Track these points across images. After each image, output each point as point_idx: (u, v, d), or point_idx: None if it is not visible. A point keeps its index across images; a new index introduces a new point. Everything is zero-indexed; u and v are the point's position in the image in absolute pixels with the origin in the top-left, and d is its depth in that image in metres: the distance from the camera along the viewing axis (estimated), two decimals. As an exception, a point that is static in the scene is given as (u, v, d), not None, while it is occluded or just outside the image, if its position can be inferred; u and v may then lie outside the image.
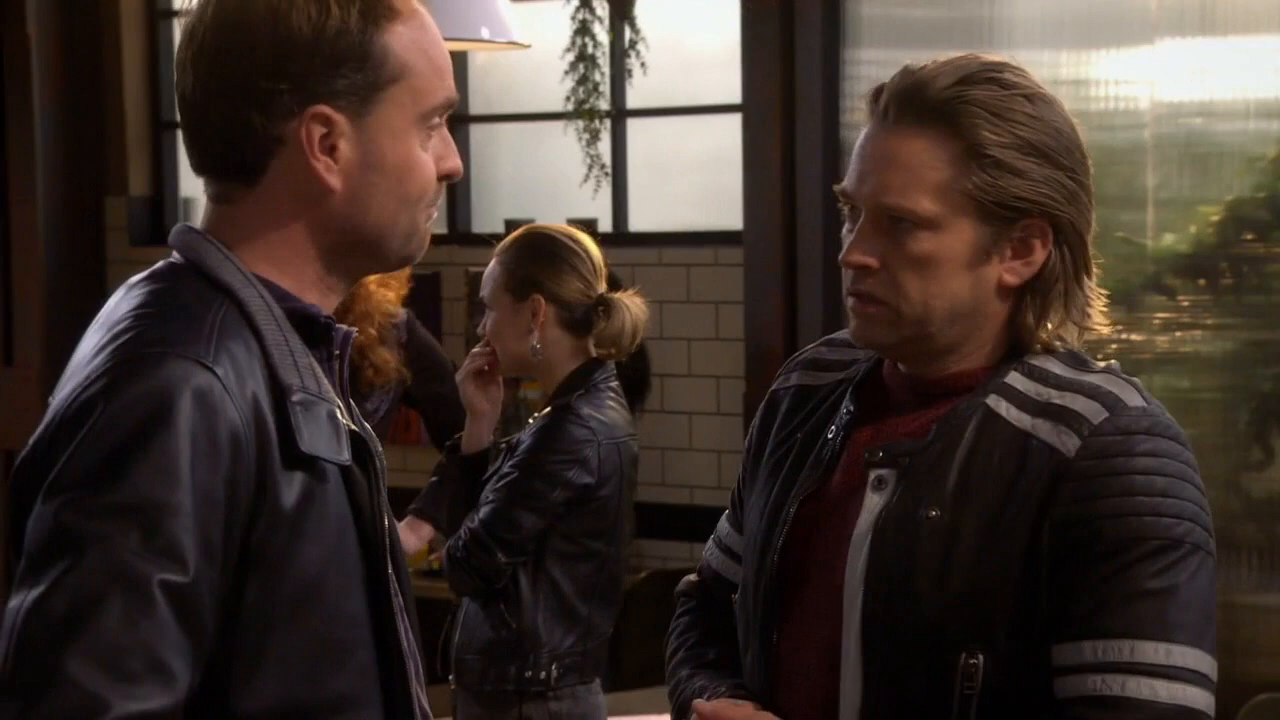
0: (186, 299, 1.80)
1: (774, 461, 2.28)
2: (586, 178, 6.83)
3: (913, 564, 2.08)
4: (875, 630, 2.10)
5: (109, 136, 7.92)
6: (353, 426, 1.85)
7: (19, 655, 1.64)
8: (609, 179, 6.92)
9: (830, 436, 2.22)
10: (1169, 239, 5.79)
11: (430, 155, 1.88)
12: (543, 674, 3.75)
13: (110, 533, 1.66)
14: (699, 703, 2.22)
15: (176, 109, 1.89)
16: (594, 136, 6.82)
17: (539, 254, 3.86)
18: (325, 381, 1.85)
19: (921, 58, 2.16)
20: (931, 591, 2.07)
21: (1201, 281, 5.76)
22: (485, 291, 3.88)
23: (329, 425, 1.81)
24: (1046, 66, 5.77)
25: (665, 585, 6.37)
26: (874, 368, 2.25)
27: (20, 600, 1.66)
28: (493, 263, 3.89)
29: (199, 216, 1.91)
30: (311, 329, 1.86)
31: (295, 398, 1.78)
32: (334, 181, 1.83)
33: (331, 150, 1.82)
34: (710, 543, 2.45)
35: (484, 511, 3.76)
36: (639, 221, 7.13)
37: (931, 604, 2.07)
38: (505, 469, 3.80)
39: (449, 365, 5.04)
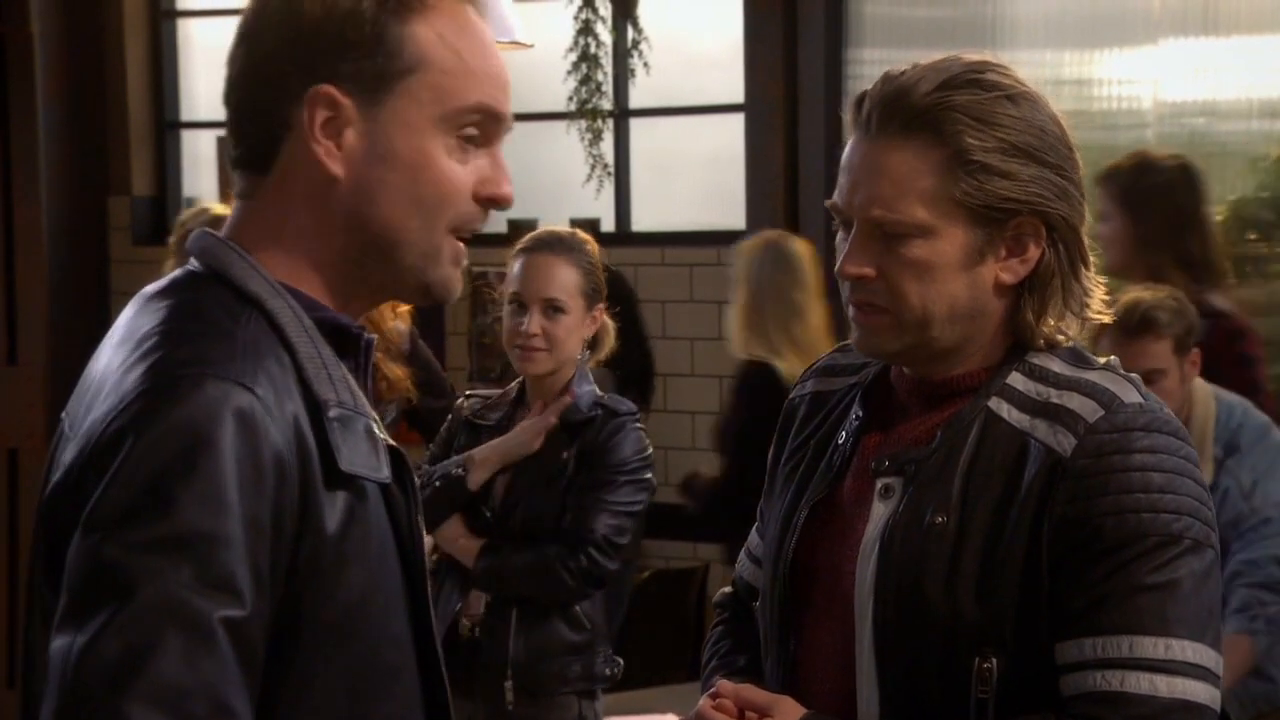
0: (213, 313, 1.71)
1: (790, 468, 2.30)
2: (589, 177, 6.84)
3: (921, 571, 2.09)
4: (887, 637, 2.11)
5: (112, 136, 7.92)
6: (390, 441, 1.77)
7: (78, 704, 1.55)
8: (611, 179, 6.93)
9: (840, 442, 2.24)
10: (1172, 239, 5.78)
11: (470, 173, 1.80)
12: (609, 670, 3.84)
13: (161, 568, 1.56)
14: (723, 683, 2.22)
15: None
16: (597, 136, 6.82)
17: (599, 266, 3.93)
18: (360, 394, 1.76)
19: (924, 58, 2.16)
20: (941, 597, 2.08)
21: (1205, 281, 5.76)
22: (559, 293, 3.87)
23: (367, 441, 1.72)
24: (1049, 66, 5.78)
25: (668, 585, 6.40)
26: (883, 371, 2.27)
27: (69, 643, 1.56)
28: (563, 265, 3.89)
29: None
30: (343, 339, 1.78)
31: (332, 413, 1.69)
32: (336, 168, 1.74)
33: (337, 136, 1.75)
34: (742, 553, 2.47)
35: (597, 521, 3.80)
36: (641, 221, 7.14)
37: (942, 610, 2.08)
38: (589, 478, 3.83)
39: (447, 382, 5.06)
